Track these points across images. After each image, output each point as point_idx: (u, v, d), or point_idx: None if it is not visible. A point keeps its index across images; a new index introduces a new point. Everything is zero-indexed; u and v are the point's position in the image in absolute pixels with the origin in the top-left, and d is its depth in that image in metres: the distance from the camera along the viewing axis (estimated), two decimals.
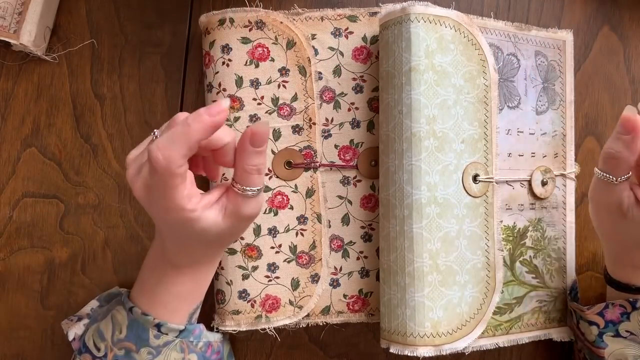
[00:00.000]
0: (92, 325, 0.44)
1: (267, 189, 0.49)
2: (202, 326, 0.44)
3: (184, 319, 0.43)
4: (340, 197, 0.49)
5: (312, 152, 0.49)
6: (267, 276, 0.48)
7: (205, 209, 0.36)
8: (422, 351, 0.43)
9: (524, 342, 0.50)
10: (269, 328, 0.48)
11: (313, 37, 0.49)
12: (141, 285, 0.43)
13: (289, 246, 0.49)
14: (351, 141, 0.50)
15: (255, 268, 0.48)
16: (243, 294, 0.48)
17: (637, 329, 0.46)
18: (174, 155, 0.33)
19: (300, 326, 0.49)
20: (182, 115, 0.37)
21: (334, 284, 0.49)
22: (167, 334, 0.42)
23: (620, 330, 0.46)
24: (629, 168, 0.41)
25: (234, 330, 0.48)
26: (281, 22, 0.49)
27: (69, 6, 0.52)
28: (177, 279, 0.42)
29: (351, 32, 0.50)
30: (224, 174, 0.48)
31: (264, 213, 0.48)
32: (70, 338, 0.45)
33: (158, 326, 0.41)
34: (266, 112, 0.49)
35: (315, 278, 0.49)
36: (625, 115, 0.40)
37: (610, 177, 0.41)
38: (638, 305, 0.46)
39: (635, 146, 0.40)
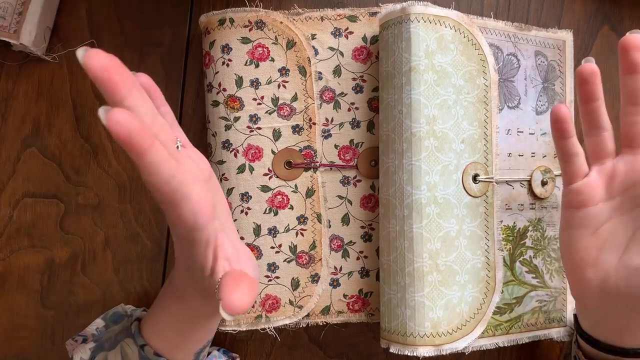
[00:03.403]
0: (99, 352, 0.42)
1: (267, 188, 0.49)
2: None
3: (187, 358, 0.40)
4: (340, 197, 0.50)
5: (312, 152, 0.49)
6: (267, 276, 0.48)
7: None
8: (422, 351, 0.43)
9: (524, 342, 0.50)
10: (269, 328, 0.48)
11: (313, 37, 0.49)
12: (151, 316, 0.41)
13: (289, 246, 0.49)
14: (351, 141, 0.50)
15: None
16: None
17: None
18: None
19: (300, 326, 0.49)
20: None
21: (334, 283, 0.49)
22: None
23: None
24: None
25: (234, 330, 0.48)
26: (281, 22, 0.49)
27: (69, 6, 0.52)
28: (180, 311, 0.39)
29: (351, 32, 0.50)
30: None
31: (264, 213, 0.48)
32: None
33: None
34: (266, 112, 0.49)
35: (315, 278, 0.49)
36: None
37: None
38: None
39: None
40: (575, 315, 0.44)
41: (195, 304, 0.37)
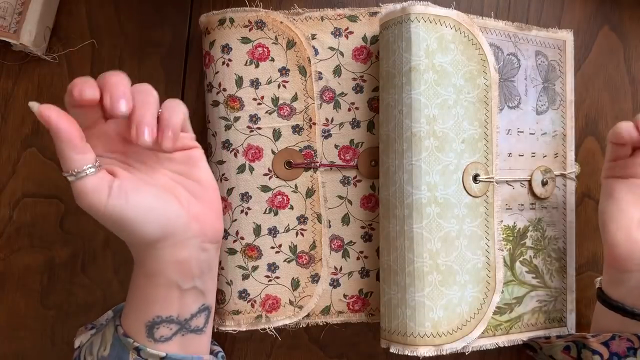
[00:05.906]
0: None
1: (267, 188, 0.49)
2: (202, 358, 0.41)
3: (140, 331, 0.39)
4: (340, 197, 0.49)
5: (312, 152, 0.49)
6: (267, 276, 0.48)
7: None
8: (423, 351, 0.43)
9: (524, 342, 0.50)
10: (269, 328, 0.48)
11: (313, 37, 0.49)
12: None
13: (289, 246, 0.49)
14: (351, 141, 0.50)
15: (255, 268, 0.48)
16: (243, 294, 0.48)
17: None
18: None
19: (301, 326, 0.49)
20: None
21: (334, 284, 0.49)
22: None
23: None
24: None
25: (234, 330, 0.48)
26: (281, 22, 0.49)
27: (69, 6, 0.52)
28: (133, 280, 0.40)
29: (351, 32, 0.50)
30: None
31: (264, 213, 0.48)
32: (75, 346, 0.43)
33: (137, 350, 0.39)
34: (266, 112, 0.49)
35: (315, 278, 0.49)
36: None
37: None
38: None
39: None
40: (599, 290, 0.46)
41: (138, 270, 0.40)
